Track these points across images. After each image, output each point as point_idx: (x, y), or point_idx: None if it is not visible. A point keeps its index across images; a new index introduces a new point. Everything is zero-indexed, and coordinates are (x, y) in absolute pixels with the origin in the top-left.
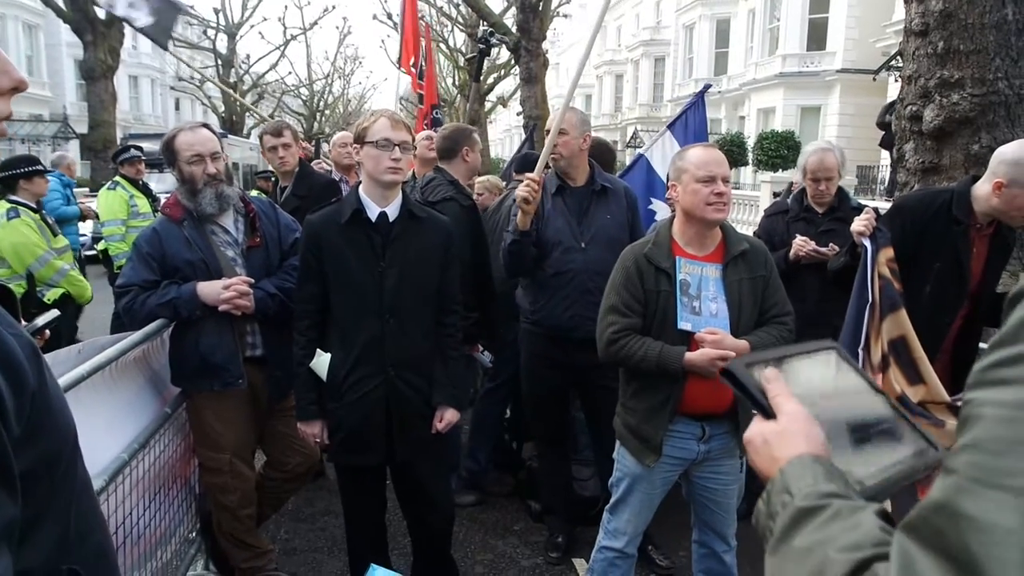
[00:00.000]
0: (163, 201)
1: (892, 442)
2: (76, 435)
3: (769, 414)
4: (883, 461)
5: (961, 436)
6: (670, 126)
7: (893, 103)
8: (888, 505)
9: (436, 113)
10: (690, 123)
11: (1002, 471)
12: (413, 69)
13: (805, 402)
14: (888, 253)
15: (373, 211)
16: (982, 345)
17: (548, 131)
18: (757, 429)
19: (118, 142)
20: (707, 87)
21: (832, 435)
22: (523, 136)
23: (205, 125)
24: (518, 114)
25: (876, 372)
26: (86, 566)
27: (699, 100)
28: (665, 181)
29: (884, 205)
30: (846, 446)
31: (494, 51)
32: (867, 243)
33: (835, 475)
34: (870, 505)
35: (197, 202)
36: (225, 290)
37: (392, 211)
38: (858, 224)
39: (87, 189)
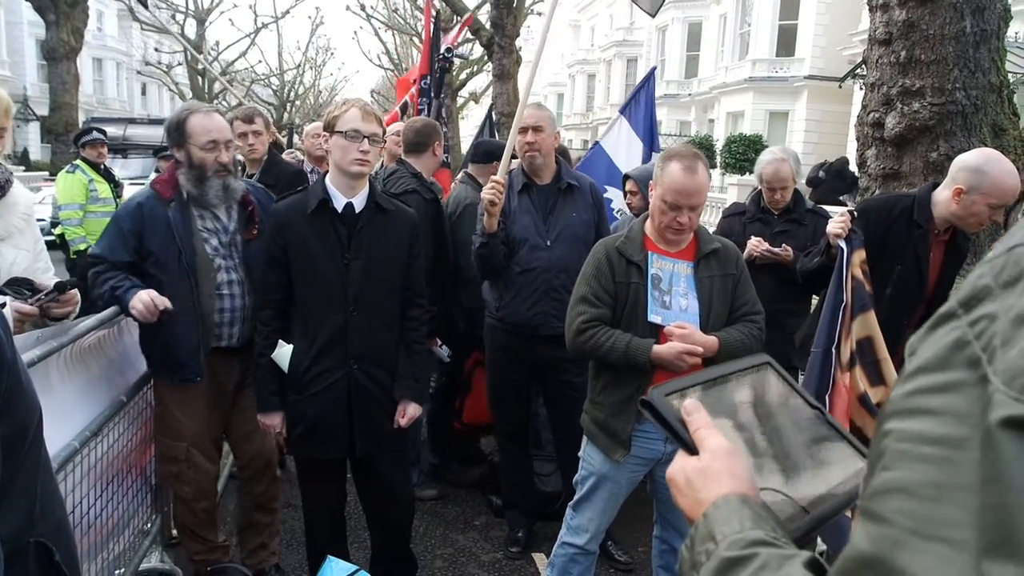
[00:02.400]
0: (125, 186)
1: (830, 463)
2: (41, 411)
3: (692, 449)
4: (821, 486)
5: (882, 472)
6: (622, 110)
7: (823, 163)
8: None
9: (424, 83)
10: (642, 104)
11: (941, 521)
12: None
13: (736, 427)
14: (861, 255)
15: (340, 201)
16: None
17: (528, 129)
18: (679, 466)
19: (80, 125)
20: (654, 69)
21: (766, 460)
22: (489, 128)
23: (213, 108)
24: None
25: (844, 371)
26: (50, 540)
27: (647, 82)
28: (621, 168)
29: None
30: (782, 471)
31: (467, 46)
32: (843, 244)
33: (763, 519)
34: (799, 554)
35: (202, 190)
36: (138, 302)
37: (359, 202)
38: (834, 226)
39: (46, 173)
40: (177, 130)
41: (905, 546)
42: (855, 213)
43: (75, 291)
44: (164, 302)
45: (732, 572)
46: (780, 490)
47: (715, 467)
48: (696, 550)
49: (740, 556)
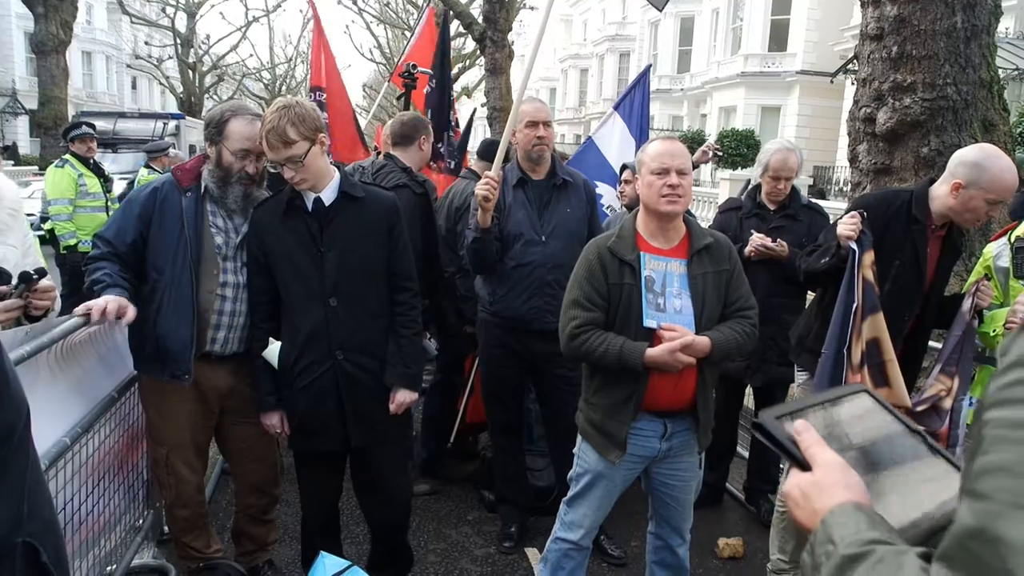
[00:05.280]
0: (115, 181)
1: (935, 484)
2: (29, 409)
3: (804, 466)
4: (928, 505)
5: (982, 456)
6: (616, 107)
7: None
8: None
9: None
10: (635, 102)
11: None
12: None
13: (840, 450)
14: (871, 256)
15: (309, 198)
16: (932, 344)
17: (539, 124)
18: (794, 482)
19: (70, 119)
20: (648, 67)
21: (873, 481)
22: (484, 125)
23: (257, 116)
24: (482, 105)
25: (855, 372)
26: (37, 540)
27: (642, 79)
28: (613, 164)
29: (836, 204)
30: (890, 491)
31: (460, 40)
32: (853, 246)
33: (878, 522)
34: (913, 549)
35: (224, 193)
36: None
37: (328, 196)
38: (845, 228)
39: (35, 167)
40: (216, 127)
41: (1004, 517)
42: (864, 214)
43: (48, 282)
44: (126, 316)
45: (851, 567)
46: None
47: (828, 480)
48: (816, 553)
49: (858, 553)
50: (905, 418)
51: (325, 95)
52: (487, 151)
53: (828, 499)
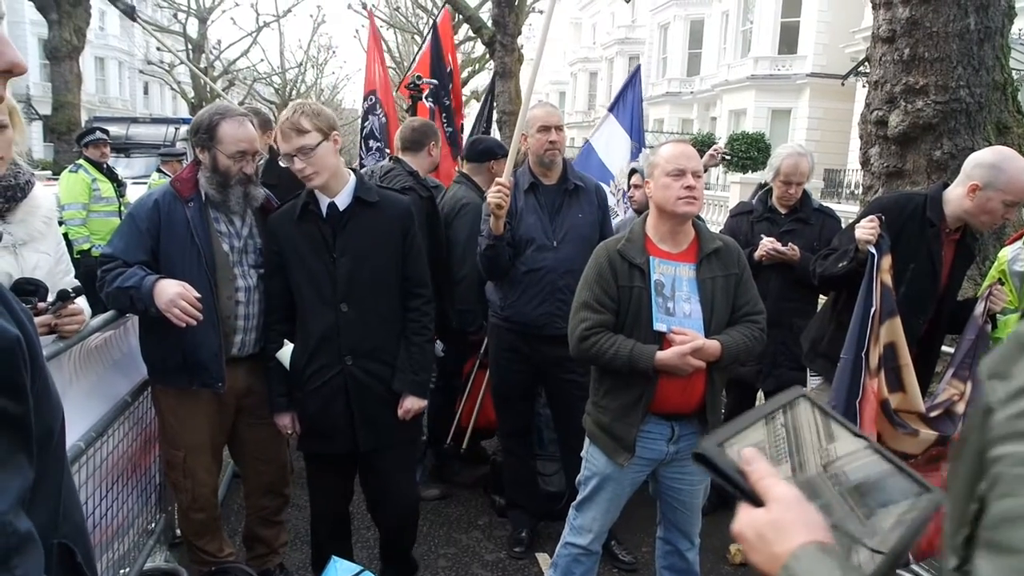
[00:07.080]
0: (128, 186)
1: (889, 493)
2: (64, 413)
3: (756, 501)
4: (887, 518)
5: (1000, 500)
6: (611, 108)
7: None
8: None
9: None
10: (628, 101)
11: None
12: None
13: (789, 469)
14: (888, 260)
15: (323, 203)
16: (945, 349)
17: (551, 128)
18: (747, 520)
19: (83, 125)
20: (639, 67)
21: (826, 500)
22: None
23: (245, 115)
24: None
25: (873, 376)
26: (71, 541)
27: (634, 79)
28: (608, 166)
29: (849, 208)
30: (844, 508)
31: (469, 44)
32: (872, 250)
33: (849, 567)
34: None
35: (225, 196)
36: (177, 296)
37: (342, 200)
38: (864, 232)
39: (49, 172)
40: (206, 132)
41: None
42: (883, 218)
43: (80, 304)
44: (193, 293)
45: None
46: (847, 531)
47: (787, 518)
48: None
49: None
50: (848, 422)
51: (379, 96)
52: (475, 152)
53: (788, 540)
